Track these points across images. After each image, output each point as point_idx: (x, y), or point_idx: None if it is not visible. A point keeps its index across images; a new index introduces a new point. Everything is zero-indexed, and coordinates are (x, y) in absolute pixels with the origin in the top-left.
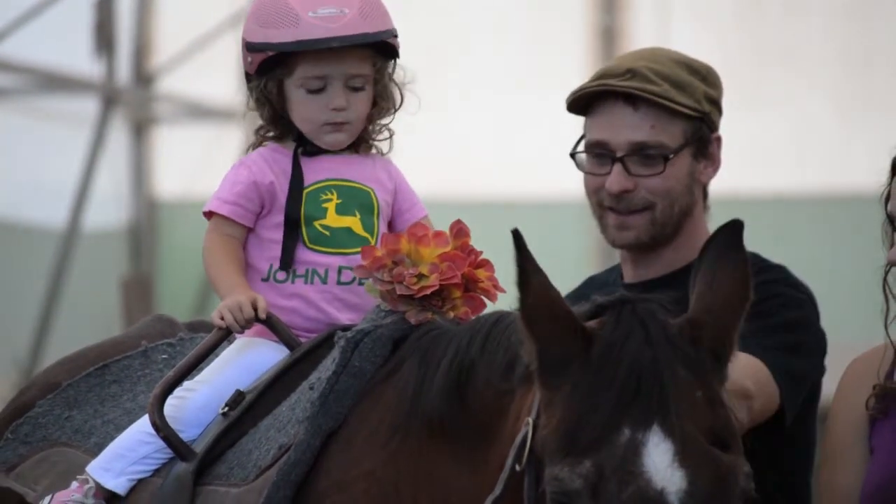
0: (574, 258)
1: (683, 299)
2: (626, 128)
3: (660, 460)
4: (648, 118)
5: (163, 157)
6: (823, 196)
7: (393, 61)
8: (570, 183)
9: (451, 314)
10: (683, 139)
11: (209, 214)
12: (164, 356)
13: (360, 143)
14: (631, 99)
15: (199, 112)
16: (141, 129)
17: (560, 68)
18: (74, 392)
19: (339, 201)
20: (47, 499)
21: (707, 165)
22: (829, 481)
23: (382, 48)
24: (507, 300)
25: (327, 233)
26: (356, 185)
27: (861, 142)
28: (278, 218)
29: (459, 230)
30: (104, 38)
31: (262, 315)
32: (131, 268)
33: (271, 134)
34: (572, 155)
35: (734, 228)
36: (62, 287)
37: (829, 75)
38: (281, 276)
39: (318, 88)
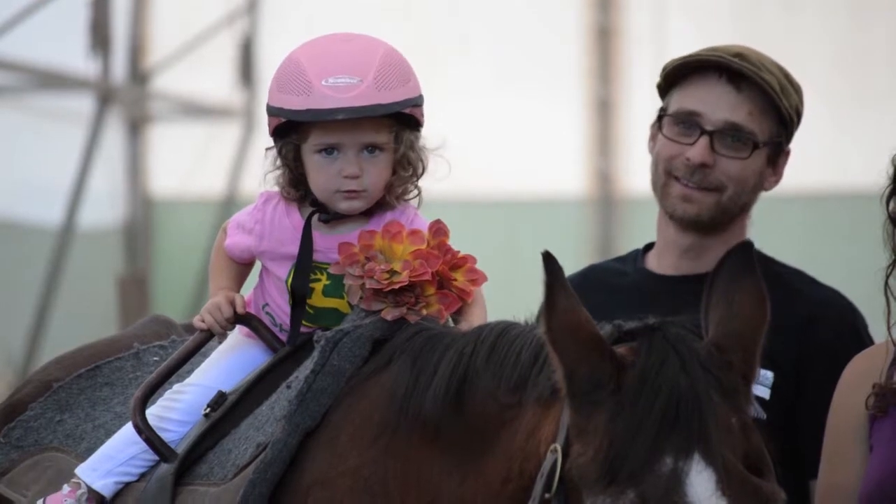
0: (572, 257)
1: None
2: (724, 105)
3: (703, 489)
4: (748, 103)
5: (158, 155)
6: (818, 194)
7: (415, 130)
8: (568, 181)
9: (425, 311)
10: (768, 137)
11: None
12: (155, 358)
13: (377, 207)
14: (736, 80)
15: (194, 110)
16: (136, 127)
17: (556, 67)
18: (66, 394)
19: (327, 282)
20: (39, 503)
21: (771, 174)
22: (828, 480)
23: (401, 116)
24: (494, 295)
25: (311, 311)
26: None
27: (856, 140)
28: (280, 271)
29: (438, 229)
30: (100, 36)
31: (241, 311)
32: (127, 266)
33: (285, 193)
34: (660, 116)
35: (744, 250)
36: (58, 285)
37: (825, 74)
38: (267, 319)
39: (331, 154)
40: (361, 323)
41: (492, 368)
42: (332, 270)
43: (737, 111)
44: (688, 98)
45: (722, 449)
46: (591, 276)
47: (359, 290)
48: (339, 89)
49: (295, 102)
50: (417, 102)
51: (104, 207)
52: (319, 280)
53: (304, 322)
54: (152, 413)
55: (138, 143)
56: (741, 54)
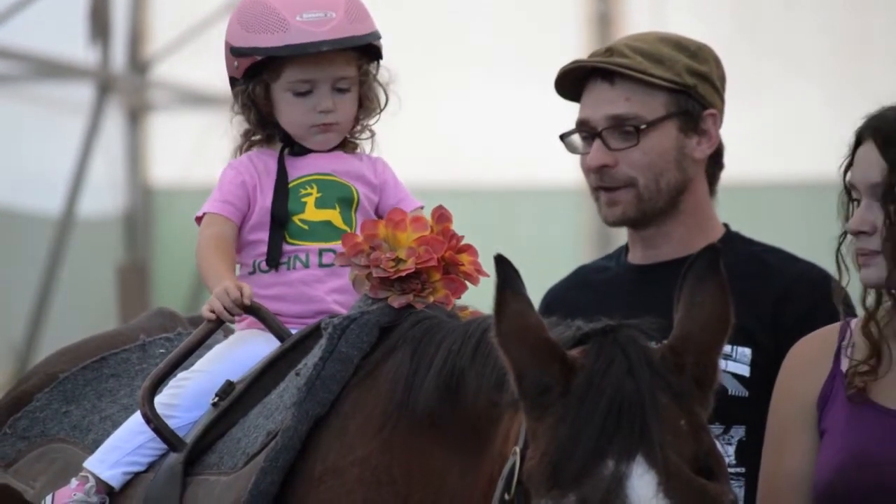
0: (569, 245)
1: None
2: (603, 103)
3: (644, 492)
4: (624, 91)
5: (158, 144)
6: (817, 184)
7: (377, 63)
8: (565, 170)
9: (432, 298)
10: (665, 112)
11: (199, 219)
12: (161, 351)
13: (346, 143)
14: (608, 75)
15: (195, 99)
16: (136, 116)
17: (555, 56)
18: (72, 385)
19: (318, 195)
20: (48, 498)
21: (701, 141)
22: (774, 467)
23: (367, 50)
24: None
25: (306, 227)
26: (337, 179)
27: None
28: (258, 219)
29: (441, 215)
30: (99, 25)
31: (248, 301)
32: (127, 255)
33: (258, 137)
34: (561, 138)
35: (711, 253)
36: (58, 274)
37: (824, 65)
38: (265, 267)
39: (305, 91)
40: (368, 310)
41: (476, 367)
42: (337, 262)
43: (615, 103)
44: (580, 109)
45: (666, 451)
46: (579, 276)
47: (365, 279)
48: (315, 24)
49: (271, 40)
50: (379, 35)
51: (104, 196)
52: (311, 194)
53: (299, 241)
54: (160, 402)
55: (138, 131)
56: (610, 48)
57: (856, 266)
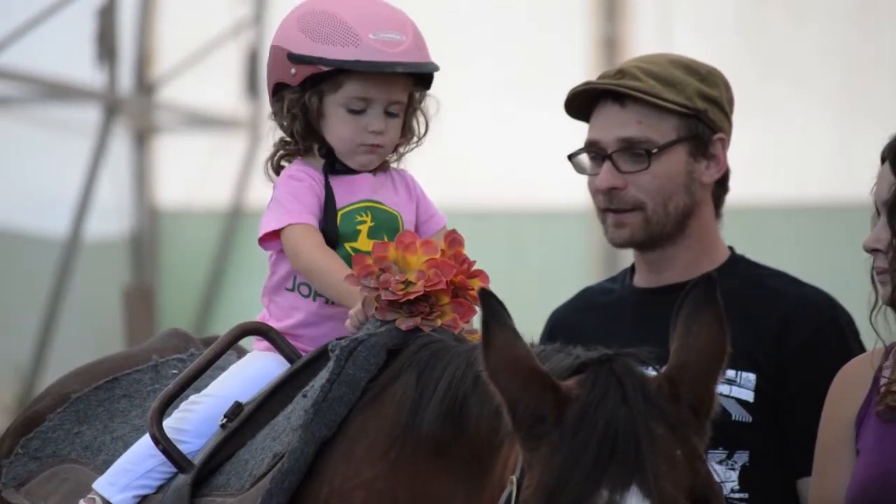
0: (577, 267)
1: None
2: (613, 125)
3: None
4: (635, 114)
5: (165, 166)
6: (824, 205)
7: (423, 92)
8: (573, 192)
9: (440, 321)
10: (676, 136)
11: (268, 235)
12: (174, 371)
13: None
14: (619, 97)
15: (201, 121)
16: (143, 138)
17: (562, 78)
18: (84, 406)
19: (371, 224)
20: None
21: (709, 166)
22: (819, 492)
23: (422, 79)
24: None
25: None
26: (387, 209)
27: (862, 152)
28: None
29: (453, 239)
30: (106, 47)
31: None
32: (133, 277)
33: (293, 148)
34: (570, 158)
35: (708, 283)
36: (64, 296)
37: (831, 86)
38: (305, 290)
39: (359, 109)
40: (376, 332)
41: (478, 393)
42: (346, 282)
43: (626, 126)
44: (589, 130)
45: (661, 481)
46: (584, 298)
47: (374, 301)
48: (388, 44)
49: (342, 53)
50: (438, 67)
51: (110, 218)
52: (364, 222)
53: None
54: (169, 424)
55: (144, 154)
56: (621, 70)
57: (873, 285)
